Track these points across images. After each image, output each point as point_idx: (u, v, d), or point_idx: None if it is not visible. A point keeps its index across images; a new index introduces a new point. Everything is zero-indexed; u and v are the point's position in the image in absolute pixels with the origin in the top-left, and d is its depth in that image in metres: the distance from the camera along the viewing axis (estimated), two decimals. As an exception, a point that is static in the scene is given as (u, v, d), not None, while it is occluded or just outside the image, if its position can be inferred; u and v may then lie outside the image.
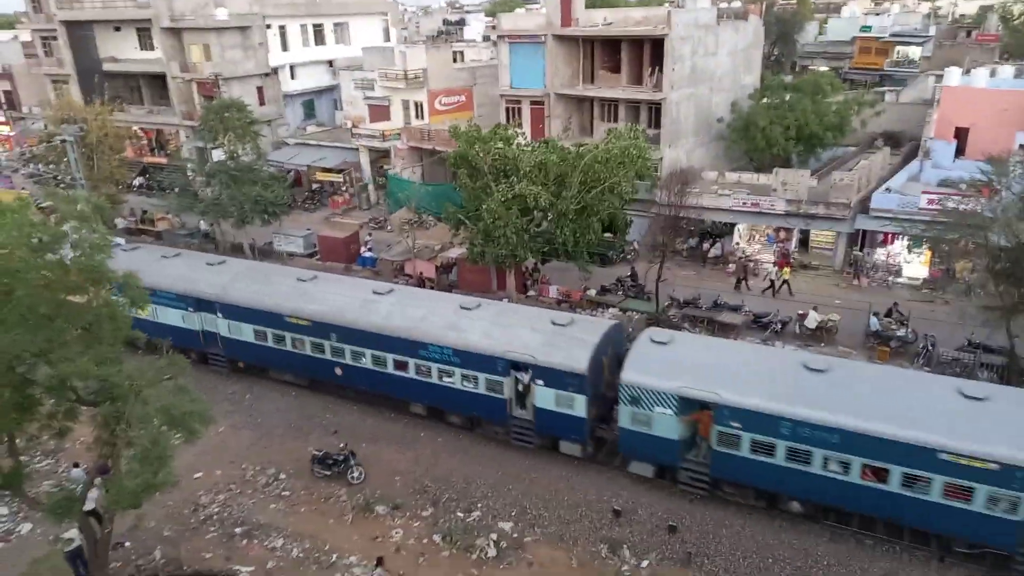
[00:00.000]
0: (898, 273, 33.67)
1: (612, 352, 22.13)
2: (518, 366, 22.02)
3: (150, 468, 15.56)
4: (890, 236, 33.72)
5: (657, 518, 19.88)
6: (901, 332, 27.72)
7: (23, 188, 48.35)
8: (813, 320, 28.48)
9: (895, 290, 32.56)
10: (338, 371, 25.12)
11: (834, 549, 18.61)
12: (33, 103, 58.35)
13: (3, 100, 61.80)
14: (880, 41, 64.32)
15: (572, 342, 21.65)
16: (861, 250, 34.72)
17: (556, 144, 30.48)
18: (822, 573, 17.92)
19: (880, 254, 34.47)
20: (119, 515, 17.33)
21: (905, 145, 43.88)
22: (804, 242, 36.91)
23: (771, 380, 19.25)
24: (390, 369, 24.00)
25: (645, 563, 18.44)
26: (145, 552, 18.81)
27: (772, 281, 32.67)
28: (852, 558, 18.28)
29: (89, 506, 17.47)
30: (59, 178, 41.98)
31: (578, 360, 21.00)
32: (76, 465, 21.20)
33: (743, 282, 33.31)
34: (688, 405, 19.71)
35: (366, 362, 24.38)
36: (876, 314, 28.44)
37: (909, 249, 33.46)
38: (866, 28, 66.15)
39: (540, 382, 21.64)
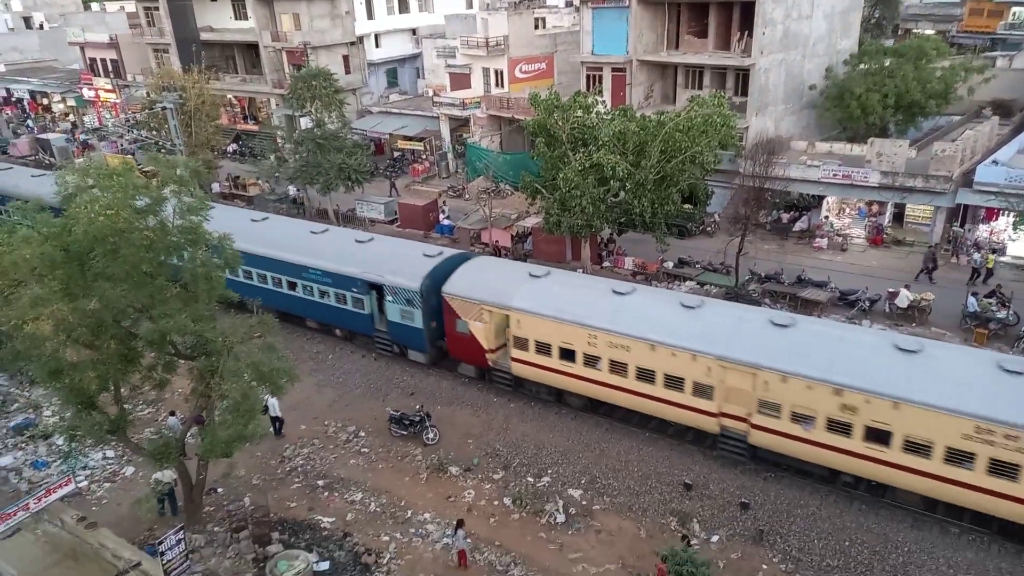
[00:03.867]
0: (1001, 251, 31.59)
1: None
2: None
3: (241, 420, 16.58)
4: (995, 212, 31.64)
5: (729, 494, 19.68)
6: (1002, 314, 26.11)
7: (129, 153, 51.30)
8: (905, 299, 27.17)
9: (997, 269, 30.60)
10: None
11: (916, 536, 17.99)
12: (136, 71, 61.47)
13: (110, 68, 65.34)
14: (993, 2, 59.58)
15: None
16: (961, 226, 32.73)
17: (634, 113, 29.87)
18: (902, 559, 17.37)
19: (982, 231, 32.41)
20: (212, 463, 18.54)
21: (1016, 115, 40.79)
22: (899, 216, 35.09)
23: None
24: None
25: (715, 538, 18.34)
26: (235, 499, 20.01)
27: (975, 269, 29.85)
28: (935, 546, 17.63)
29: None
30: (160, 143, 44.28)
31: None
32: (172, 414, 22.72)
33: (930, 272, 30.03)
34: None
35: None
36: (975, 294, 26.87)
37: (1015, 226, 31.32)
38: (979, -13, 61.38)
39: None
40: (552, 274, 24.56)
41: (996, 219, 31.95)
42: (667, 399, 21.02)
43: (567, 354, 22.40)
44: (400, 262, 26.27)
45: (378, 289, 26.41)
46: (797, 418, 18.92)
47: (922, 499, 18.46)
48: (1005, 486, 16.69)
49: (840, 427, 18.34)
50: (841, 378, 18.12)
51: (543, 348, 22.83)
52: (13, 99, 74.41)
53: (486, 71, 48.36)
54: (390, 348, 27.30)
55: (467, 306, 24.18)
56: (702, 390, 20.32)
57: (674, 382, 20.73)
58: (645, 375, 21.16)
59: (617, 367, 21.60)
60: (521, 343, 23.30)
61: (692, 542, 17.71)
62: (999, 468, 16.63)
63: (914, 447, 17.53)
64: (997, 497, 16.87)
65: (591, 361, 22.04)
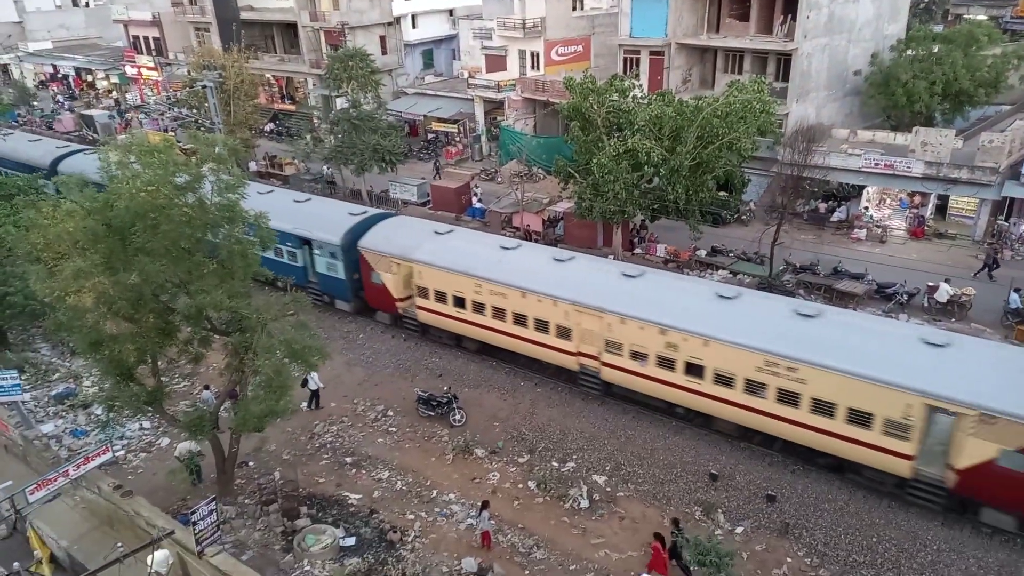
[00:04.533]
0: (1049, 247, 30.61)
1: None
2: None
3: (273, 395, 16.90)
4: (1044, 206, 30.66)
5: (755, 486, 19.53)
6: (1046, 312, 25.35)
7: (171, 130, 52.20)
8: (944, 293, 26.51)
9: (1044, 266, 29.66)
10: None
11: (945, 534, 17.69)
12: (178, 50, 62.34)
13: (153, 46, 66.34)
14: (1053, -14, 57.19)
15: None
16: (1007, 220, 31.75)
17: (672, 97, 29.43)
18: (931, 558, 17.10)
19: (1030, 225, 31.42)
20: (244, 437, 18.96)
21: (1072, 105, 39.27)
22: (941, 209, 34.16)
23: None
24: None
25: (740, 529, 18.25)
26: (266, 472, 20.45)
27: None
28: (965, 546, 17.32)
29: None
30: (200, 121, 44.94)
31: None
32: (207, 388, 23.25)
33: (992, 269, 28.71)
34: None
35: None
36: (1019, 290, 26.10)
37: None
38: (1037, -29, 58.96)
39: None
40: (455, 231, 27.39)
41: (1044, 213, 30.95)
42: (537, 341, 23.70)
43: (460, 302, 25.02)
44: (327, 219, 28.99)
45: (308, 243, 28.88)
46: (635, 355, 21.52)
47: (736, 427, 20.72)
48: (788, 411, 19.09)
49: (667, 363, 20.92)
50: (665, 319, 20.69)
51: (441, 297, 25.50)
52: (59, 75, 76.09)
53: (522, 53, 48.04)
54: (320, 298, 29.63)
55: (379, 259, 26.87)
56: (563, 332, 22.96)
57: (542, 325, 23.38)
58: (520, 320, 23.79)
59: (499, 313, 24.19)
60: (424, 292, 26.01)
61: (714, 529, 17.67)
62: (784, 396, 19.05)
63: (721, 379, 19.99)
64: (782, 421, 19.32)
65: (479, 308, 24.61)
